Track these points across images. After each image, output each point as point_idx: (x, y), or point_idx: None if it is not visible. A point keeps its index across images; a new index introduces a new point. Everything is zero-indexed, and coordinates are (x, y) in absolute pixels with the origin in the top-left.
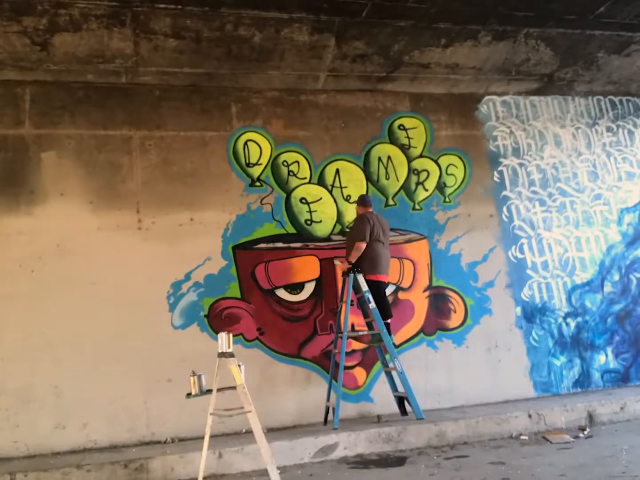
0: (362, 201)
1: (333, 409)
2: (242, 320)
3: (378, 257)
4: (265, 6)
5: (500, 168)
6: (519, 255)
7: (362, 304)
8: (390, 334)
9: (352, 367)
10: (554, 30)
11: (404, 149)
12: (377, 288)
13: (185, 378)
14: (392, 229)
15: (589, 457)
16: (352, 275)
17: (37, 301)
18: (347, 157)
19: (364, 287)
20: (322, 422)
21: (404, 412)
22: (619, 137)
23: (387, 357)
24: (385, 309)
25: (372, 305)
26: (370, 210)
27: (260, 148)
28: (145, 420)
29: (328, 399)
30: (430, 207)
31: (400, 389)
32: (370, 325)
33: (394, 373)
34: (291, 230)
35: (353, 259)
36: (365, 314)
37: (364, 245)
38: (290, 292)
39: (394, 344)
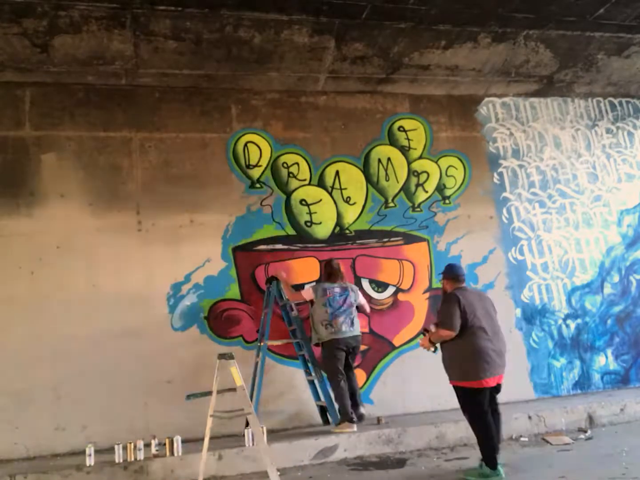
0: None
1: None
2: (242, 321)
3: None
4: (265, 8)
5: (500, 169)
6: (519, 257)
7: (285, 313)
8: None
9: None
10: (554, 32)
11: (404, 150)
12: None
13: (185, 379)
14: (391, 231)
15: (589, 458)
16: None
17: (36, 302)
18: (347, 159)
19: (285, 297)
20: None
21: (326, 421)
22: (618, 139)
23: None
24: None
25: (295, 313)
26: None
27: (260, 150)
28: (145, 422)
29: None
30: (430, 208)
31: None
32: (294, 334)
33: (316, 382)
34: (291, 231)
35: None
36: (289, 322)
37: None
38: None
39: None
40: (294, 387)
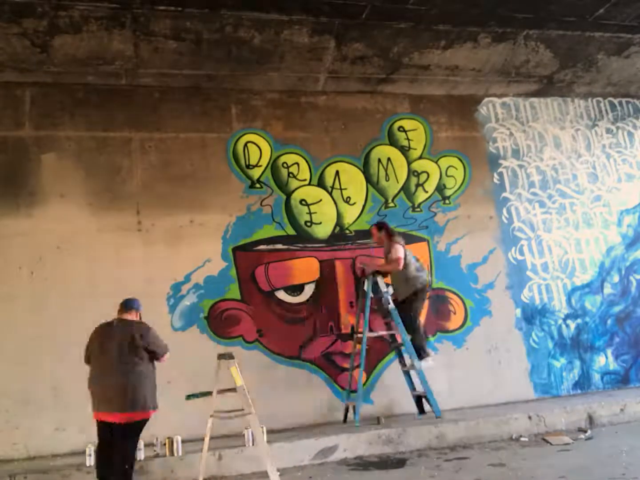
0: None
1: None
2: (242, 321)
3: None
4: (265, 8)
5: (500, 170)
6: (519, 257)
7: (380, 305)
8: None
9: (353, 369)
10: (554, 32)
11: (404, 150)
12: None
13: (185, 379)
14: None
15: (589, 458)
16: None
17: (37, 303)
18: (347, 159)
19: (383, 288)
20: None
21: (422, 411)
22: (618, 139)
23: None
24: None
25: (391, 306)
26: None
27: (260, 150)
28: None
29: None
30: (430, 208)
31: (419, 388)
32: (389, 326)
33: (412, 372)
34: (291, 231)
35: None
36: (385, 315)
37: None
38: (290, 294)
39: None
40: (296, 387)
